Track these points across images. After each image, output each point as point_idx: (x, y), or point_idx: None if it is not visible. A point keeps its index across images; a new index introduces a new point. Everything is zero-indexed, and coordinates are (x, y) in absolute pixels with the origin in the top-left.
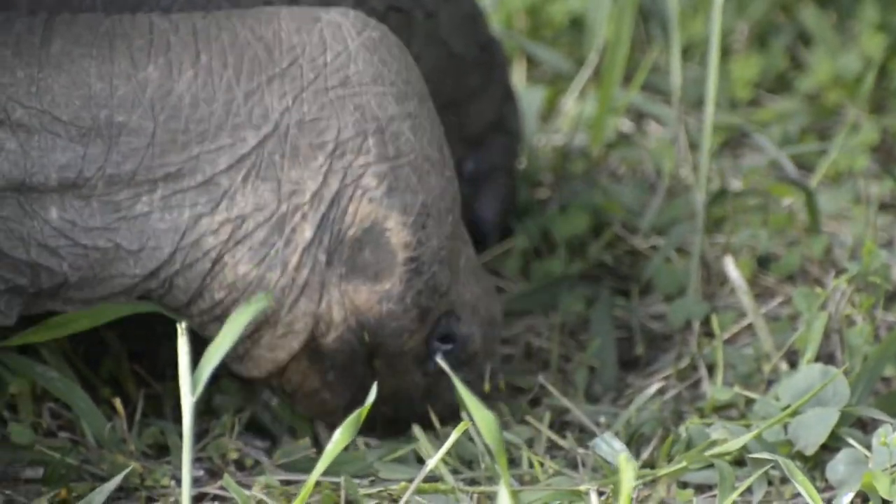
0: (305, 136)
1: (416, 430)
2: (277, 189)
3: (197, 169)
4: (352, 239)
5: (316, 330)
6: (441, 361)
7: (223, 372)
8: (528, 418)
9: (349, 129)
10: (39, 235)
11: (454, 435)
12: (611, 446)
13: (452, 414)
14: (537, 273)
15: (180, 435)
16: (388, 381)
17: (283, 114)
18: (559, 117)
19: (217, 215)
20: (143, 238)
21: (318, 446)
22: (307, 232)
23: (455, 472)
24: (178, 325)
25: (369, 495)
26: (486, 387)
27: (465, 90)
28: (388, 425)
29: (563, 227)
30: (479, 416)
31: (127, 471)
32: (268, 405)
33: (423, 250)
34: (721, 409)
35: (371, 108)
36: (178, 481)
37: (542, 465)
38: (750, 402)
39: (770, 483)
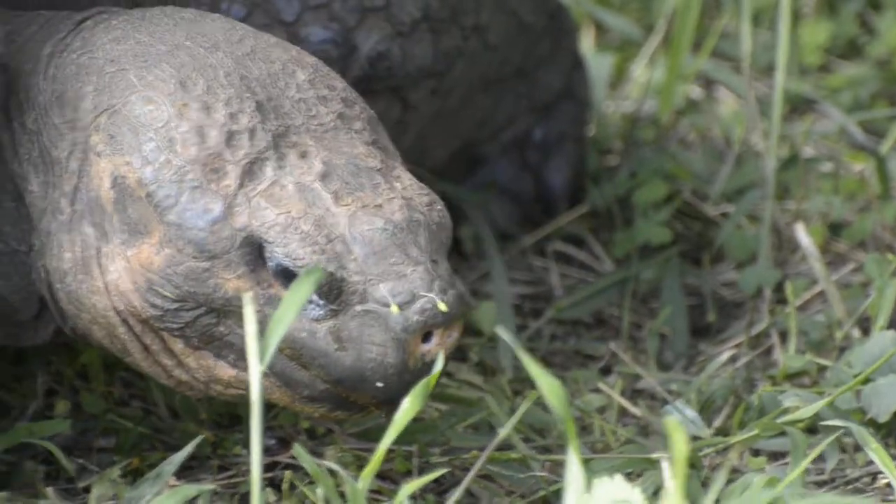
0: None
1: (489, 398)
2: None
3: None
4: (109, 202)
5: (116, 305)
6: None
7: None
8: (600, 386)
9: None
10: None
11: (525, 403)
12: (682, 414)
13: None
14: (613, 241)
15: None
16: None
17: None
18: (628, 84)
19: None
20: None
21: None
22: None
23: (527, 440)
24: (244, 295)
25: (441, 463)
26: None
27: (533, 58)
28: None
29: (642, 194)
30: (548, 386)
31: (198, 440)
32: None
33: (161, 183)
34: (793, 377)
35: None
36: (250, 450)
37: (613, 433)
38: (822, 369)
39: (843, 451)
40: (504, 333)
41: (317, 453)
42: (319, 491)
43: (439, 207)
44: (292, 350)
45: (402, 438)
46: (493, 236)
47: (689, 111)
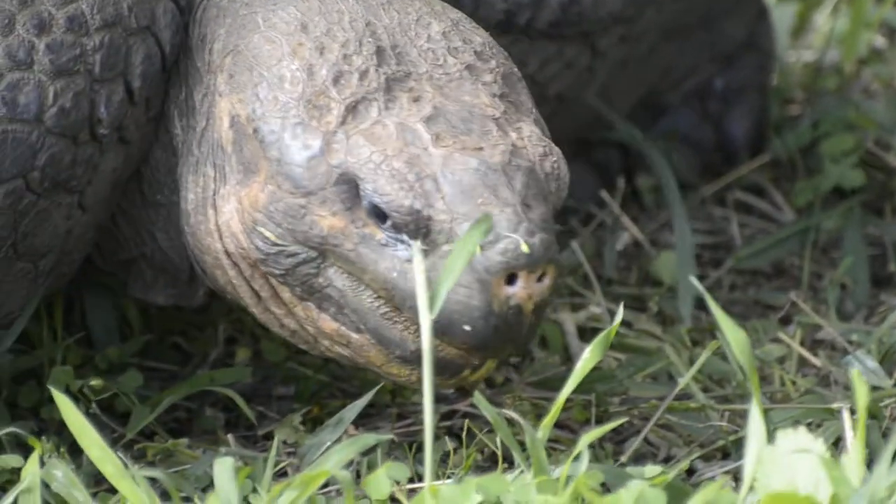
0: None
1: (668, 348)
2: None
3: None
4: (228, 142)
5: (227, 247)
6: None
7: None
8: (780, 336)
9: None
10: None
11: (706, 353)
12: (863, 364)
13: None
14: (794, 190)
15: None
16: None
17: None
18: (811, 33)
19: None
20: None
21: (569, 363)
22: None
23: (706, 390)
24: (413, 244)
25: (620, 413)
26: None
27: (717, 8)
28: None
29: (829, 145)
30: (732, 335)
31: (377, 388)
32: None
33: (266, 118)
34: None
35: None
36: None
37: (793, 383)
38: None
39: None
40: (687, 282)
41: (495, 402)
42: (498, 439)
43: (554, 160)
44: (385, 291)
45: (580, 388)
46: (674, 185)
47: (873, 60)
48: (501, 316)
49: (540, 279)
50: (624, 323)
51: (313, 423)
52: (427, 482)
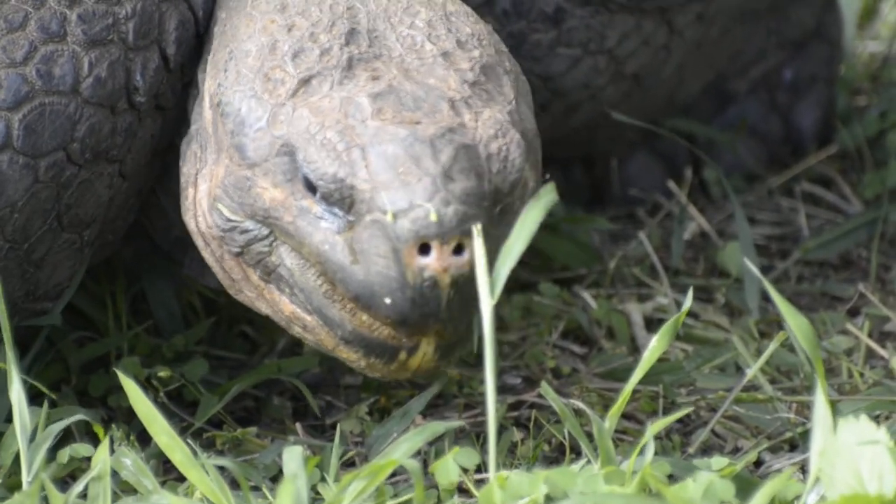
0: None
1: (735, 339)
2: None
3: None
4: (209, 122)
5: (200, 225)
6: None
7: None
8: (848, 328)
9: None
10: None
11: (773, 344)
12: None
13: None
14: (862, 182)
15: (498, 342)
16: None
17: None
18: (878, 23)
19: None
20: None
21: (636, 354)
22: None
23: (773, 381)
24: (473, 228)
25: (686, 403)
26: None
27: None
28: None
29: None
30: (797, 326)
31: (445, 379)
32: (586, 309)
33: (225, 91)
34: None
35: None
36: (497, 389)
37: (861, 375)
38: None
39: None
40: (752, 273)
41: (562, 393)
42: (566, 430)
43: (504, 143)
44: (320, 266)
45: (647, 379)
46: (737, 176)
47: None
48: (416, 288)
49: (458, 253)
50: (691, 314)
51: (380, 414)
52: (492, 471)
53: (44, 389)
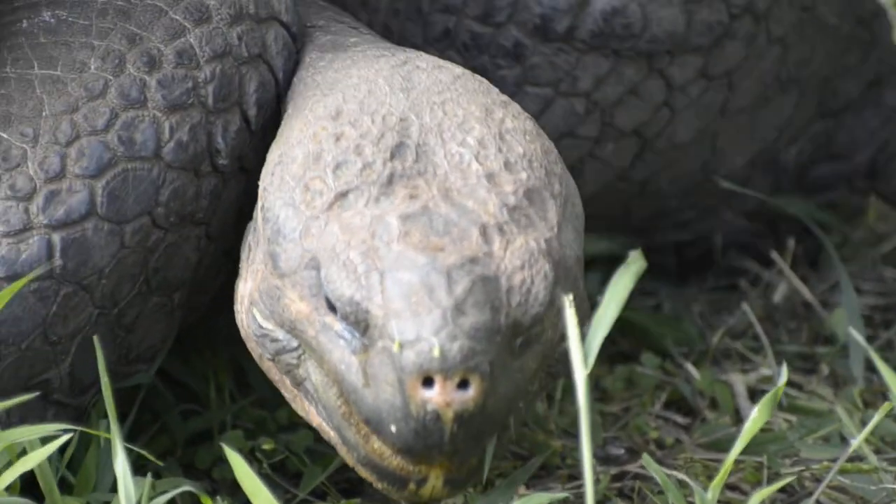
0: None
1: (840, 410)
2: None
3: None
4: (259, 224)
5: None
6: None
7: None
8: None
9: None
10: None
11: (878, 415)
12: None
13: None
14: None
15: (601, 412)
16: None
17: None
18: None
19: None
20: None
21: (740, 425)
22: None
23: (878, 451)
24: (565, 299)
25: (791, 474)
26: None
27: (839, 67)
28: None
29: None
30: None
31: (548, 451)
32: (689, 380)
33: (268, 195)
34: None
35: None
36: (600, 460)
37: None
38: None
39: None
40: (856, 340)
41: (665, 463)
42: (669, 500)
43: (528, 276)
44: (337, 384)
45: (751, 449)
46: (832, 246)
47: None
48: (419, 420)
49: (463, 387)
50: (795, 384)
51: (484, 486)
52: None
53: (151, 458)
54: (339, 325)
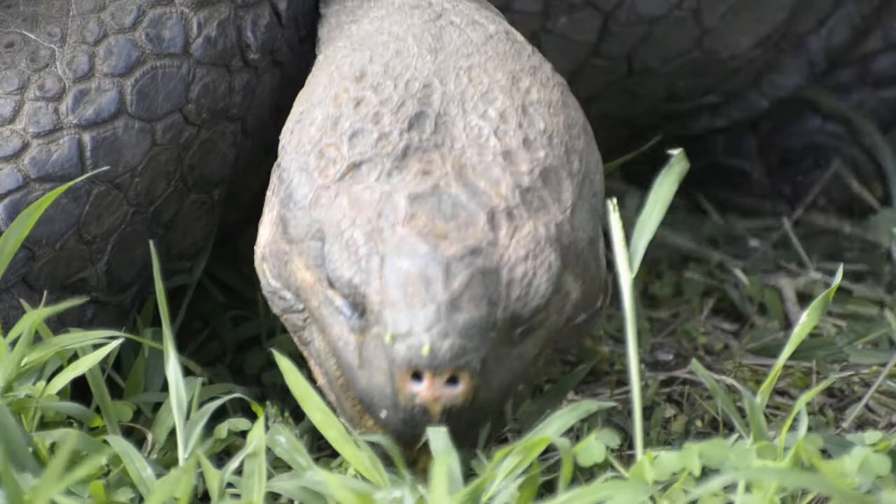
0: None
1: (889, 314)
2: None
3: None
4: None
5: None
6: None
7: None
8: None
9: None
10: None
11: None
12: None
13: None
14: None
15: (649, 319)
16: None
17: None
18: None
19: None
20: None
21: (788, 330)
22: None
23: None
24: (608, 203)
25: (839, 378)
26: None
27: None
28: None
29: None
30: None
31: (597, 356)
32: (737, 285)
33: (285, 156)
34: None
35: None
36: (648, 366)
37: None
38: None
39: None
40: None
41: (714, 369)
42: (718, 405)
43: (531, 267)
44: (335, 359)
45: (800, 355)
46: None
47: None
48: (407, 410)
49: (453, 383)
50: (845, 290)
51: (533, 392)
52: (639, 448)
53: (196, 368)
54: (339, 301)
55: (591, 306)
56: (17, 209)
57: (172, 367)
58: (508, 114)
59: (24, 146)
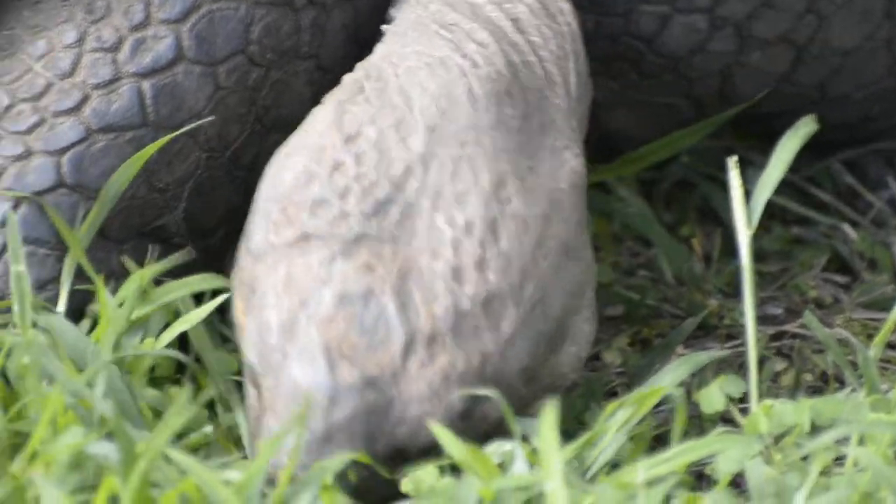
0: None
1: None
2: None
3: None
4: None
5: None
6: None
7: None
8: None
9: None
10: None
11: None
12: None
13: None
14: None
15: (758, 273)
16: None
17: None
18: None
19: None
20: None
21: None
22: None
23: None
24: (728, 160)
25: None
26: None
27: None
28: None
29: None
30: None
31: (706, 311)
32: (847, 241)
33: (261, 188)
34: None
35: None
36: (758, 319)
37: None
38: None
39: None
40: None
41: (825, 323)
42: (829, 359)
43: (426, 415)
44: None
45: None
46: None
47: None
48: None
49: None
50: None
51: (641, 344)
52: (754, 400)
53: None
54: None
55: (522, 412)
56: (80, 161)
57: None
58: (475, 226)
59: (85, 98)
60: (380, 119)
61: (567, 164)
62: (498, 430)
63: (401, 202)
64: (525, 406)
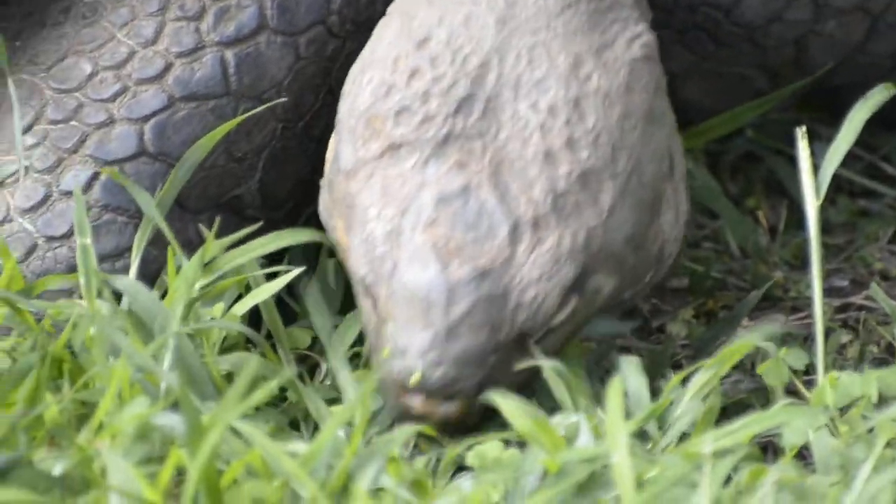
0: None
1: None
2: None
3: None
4: None
5: None
6: None
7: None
8: None
9: None
10: None
11: None
12: None
13: None
14: None
15: (824, 245)
16: None
17: None
18: None
19: None
20: None
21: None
22: None
23: None
24: (797, 131)
25: None
26: None
27: None
28: None
29: None
30: None
31: (771, 282)
32: None
33: (341, 118)
34: None
35: None
36: (823, 292)
37: None
38: None
39: None
40: None
41: (891, 294)
42: (894, 331)
43: (543, 289)
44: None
45: None
46: None
47: None
48: (407, 415)
49: (449, 399)
50: None
51: (706, 317)
52: (821, 372)
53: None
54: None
55: (635, 285)
56: (163, 129)
57: None
58: (559, 108)
59: (168, 66)
60: (448, 19)
61: (639, 36)
62: (612, 303)
63: (482, 97)
64: (636, 280)
